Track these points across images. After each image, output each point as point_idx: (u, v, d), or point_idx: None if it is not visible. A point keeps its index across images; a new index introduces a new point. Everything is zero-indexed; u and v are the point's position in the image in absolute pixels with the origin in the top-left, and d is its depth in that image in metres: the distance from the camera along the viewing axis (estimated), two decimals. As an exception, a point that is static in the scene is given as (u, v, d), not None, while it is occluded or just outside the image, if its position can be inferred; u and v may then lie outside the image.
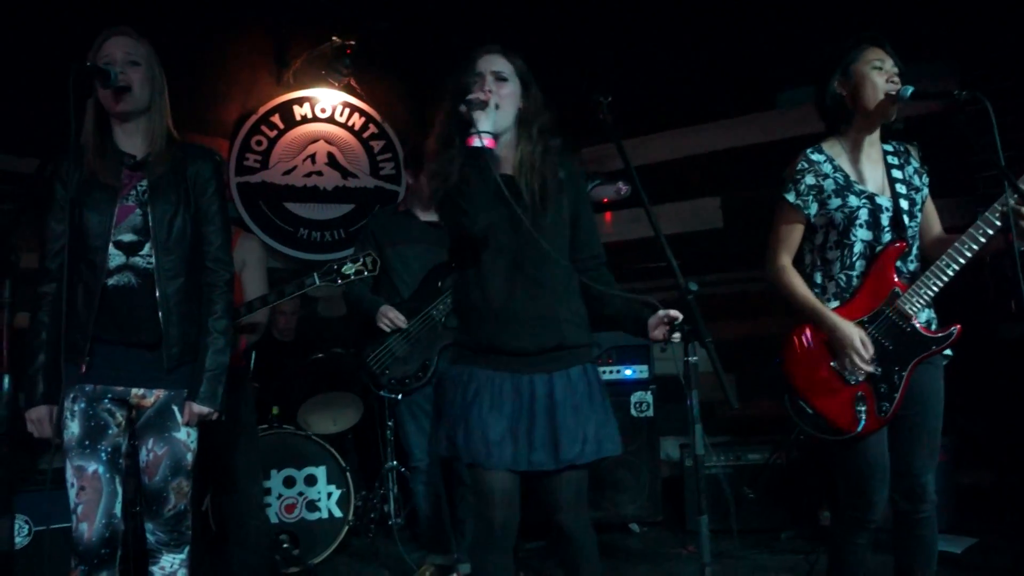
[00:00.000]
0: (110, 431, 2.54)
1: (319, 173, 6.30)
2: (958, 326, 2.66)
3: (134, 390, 2.56)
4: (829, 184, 2.68)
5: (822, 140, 2.78)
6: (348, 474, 4.53)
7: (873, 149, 2.74)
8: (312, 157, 6.30)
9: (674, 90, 5.73)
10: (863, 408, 2.61)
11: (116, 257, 2.53)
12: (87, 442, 2.51)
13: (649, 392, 4.88)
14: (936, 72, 4.80)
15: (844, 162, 2.71)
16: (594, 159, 5.87)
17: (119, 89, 2.50)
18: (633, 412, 4.86)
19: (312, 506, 4.48)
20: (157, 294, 2.54)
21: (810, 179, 2.69)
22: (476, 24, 5.39)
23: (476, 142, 2.31)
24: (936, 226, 2.83)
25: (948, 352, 2.71)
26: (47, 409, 2.53)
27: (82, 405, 2.52)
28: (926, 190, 2.75)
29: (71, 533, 2.52)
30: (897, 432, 2.70)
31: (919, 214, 2.72)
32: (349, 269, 3.36)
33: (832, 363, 2.65)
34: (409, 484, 4.35)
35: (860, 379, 2.63)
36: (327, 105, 6.35)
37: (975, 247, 2.57)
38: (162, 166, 2.60)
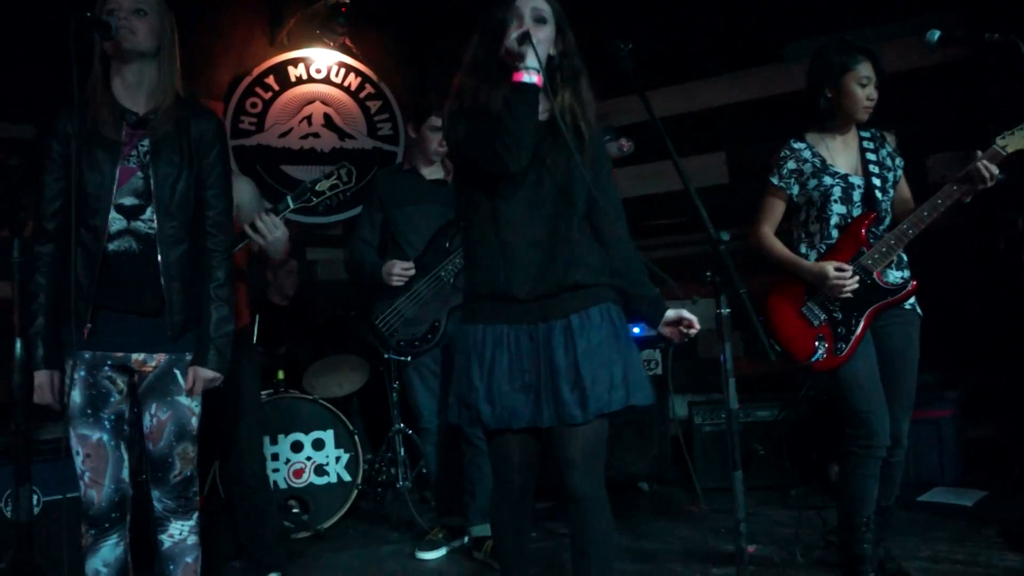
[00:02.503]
0: (112, 398, 2.48)
1: (316, 135, 6.20)
2: (914, 282, 3.03)
3: (135, 355, 2.49)
4: (807, 167, 3.10)
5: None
6: (356, 437, 4.49)
7: (849, 137, 3.15)
8: (308, 119, 6.20)
9: (678, 43, 5.63)
10: (824, 345, 3.02)
11: (117, 221, 2.44)
12: (89, 410, 2.45)
13: (658, 350, 4.83)
14: (942, 22, 4.73)
15: (822, 148, 3.13)
16: (599, 114, 5.78)
17: (121, 27, 2.40)
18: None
19: (320, 470, 4.45)
20: (160, 260, 2.46)
21: (792, 164, 3.12)
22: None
23: (526, 77, 2.22)
24: (906, 198, 3.20)
25: (919, 311, 3.09)
26: (48, 374, 2.47)
27: (82, 373, 2.45)
28: (900, 171, 3.17)
29: (80, 499, 2.47)
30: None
31: (891, 190, 3.12)
32: (323, 185, 3.19)
33: (801, 308, 3.09)
34: (418, 447, 4.33)
35: (822, 320, 3.04)
36: (322, 65, 6.23)
37: (935, 214, 2.92)
38: (166, 124, 2.50)
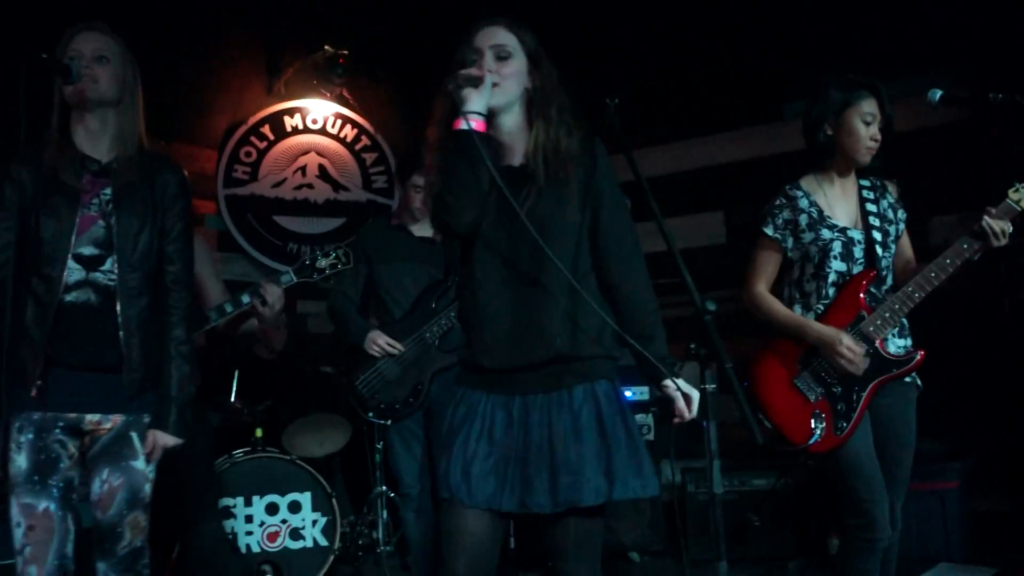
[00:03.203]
0: (62, 464, 2.33)
1: (310, 186, 6.12)
2: (921, 352, 2.76)
3: (88, 416, 2.35)
4: (803, 219, 2.83)
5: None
6: (334, 500, 4.32)
7: (849, 184, 2.90)
8: (303, 169, 6.12)
9: (677, 101, 5.58)
10: (821, 424, 2.72)
11: (75, 272, 2.33)
12: (36, 477, 2.30)
13: (650, 415, 4.69)
14: (946, 81, 4.68)
15: (819, 197, 2.86)
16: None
17: (83, 76, 2.32)
18: (634, 435, 4.67)
19: (296, 534, 4.27)
20: (119, 314, 2.33)
21: (787, 214, 2.86)
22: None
23: (463, 125, 2.03)
24: (908, 257, 2.99)
25: (919, 384, 2.85)
26: None
27: (30, 436, 2.30)
28: (902, 225, 2.93)
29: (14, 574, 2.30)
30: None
31: (892, 245, 2.88)
32: (323, 262, 3.26)
33: (795, 380, 2.79)
34: (399, 511, 4.17)
35: (819, 395, 2.75)
36: (319, 116, 6.17)
37: (943, 275, 2.71)
38: (129, 174, 2.41)
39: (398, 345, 3.71)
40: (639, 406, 4.67)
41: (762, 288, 2.92)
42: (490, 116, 2.12)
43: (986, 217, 2.67)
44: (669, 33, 5.47)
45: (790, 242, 2.87)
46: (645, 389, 4.70)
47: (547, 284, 2.12)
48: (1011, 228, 2.68)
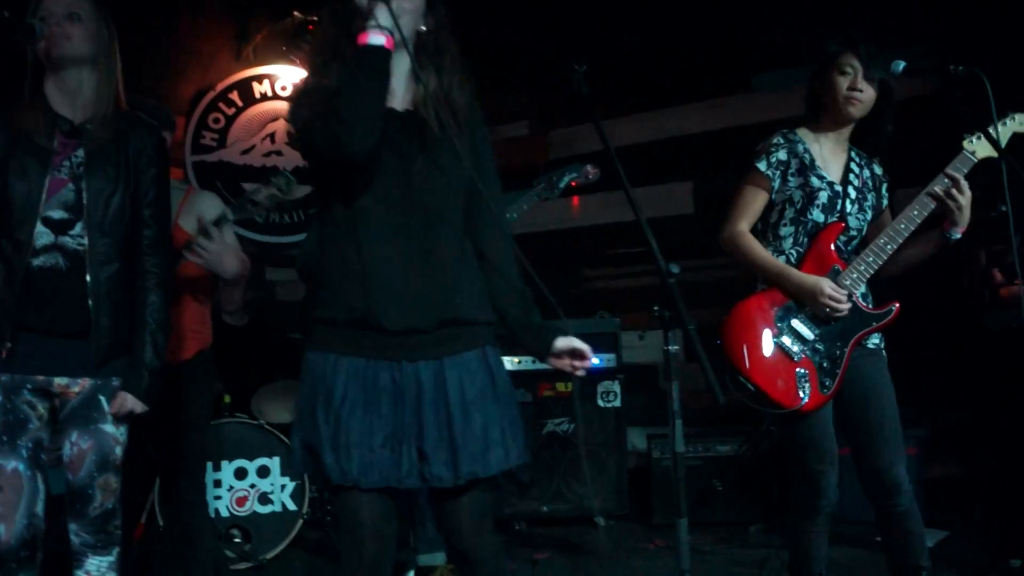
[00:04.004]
0: (31, 425, 2.32)
1: (279, 153, 6.06)
2: (896, 304, 2.73)
3: (57, 380, 2.33)
4: (795, 163, 2.78)
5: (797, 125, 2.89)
6: (303, 465, 4.34)
7: (840, 146, 2.86)
8: (272, 136, 6.07)
9: (645, 71, 5.58)
10: (806, 384, 2.65)
11: (43, 235, 2.29)
12: (5, 437, 2.29)
13: (616, 381, 4.74)
14: (917, 56, 4.72)
15: (814, 147, 2.81)
16: (562, 141, 5.73)
17: (53, 33, 2.27)
18: (600, 402, 4.72)
19: (264, 499, 4.29)
20: (88, 279, 2.31)
21: (782, 154, 2.79)
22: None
23: (371, 38, 1.85)
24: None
25: (884, 354, 2.81)
26: None
27: None
28: (885, 200, 2.91)
29: None
30: (857, 430, 2.74)
31: (869, 211, 2.85)
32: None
33: (775, 339, 2.68)
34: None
35: (801, 353, 2.67)
36: (287, 83, 6.10)
37: (911, 226, 2.69)
38: (103, 135, 2.36)
39: None
40: (607, 372, 4.71)
41: (744, 227, 2.80)
42: None
43: (946, 169, 2.67)
44: (639, 4, 5.47)
45: (778, 183, 2.79)
46: (612, 356, 4.74)
47: (441, 240, 2.00)
48: (965, 183, 2.67)
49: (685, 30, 5.42)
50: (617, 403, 4.73)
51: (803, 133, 2.84)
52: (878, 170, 2.94)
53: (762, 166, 2.78)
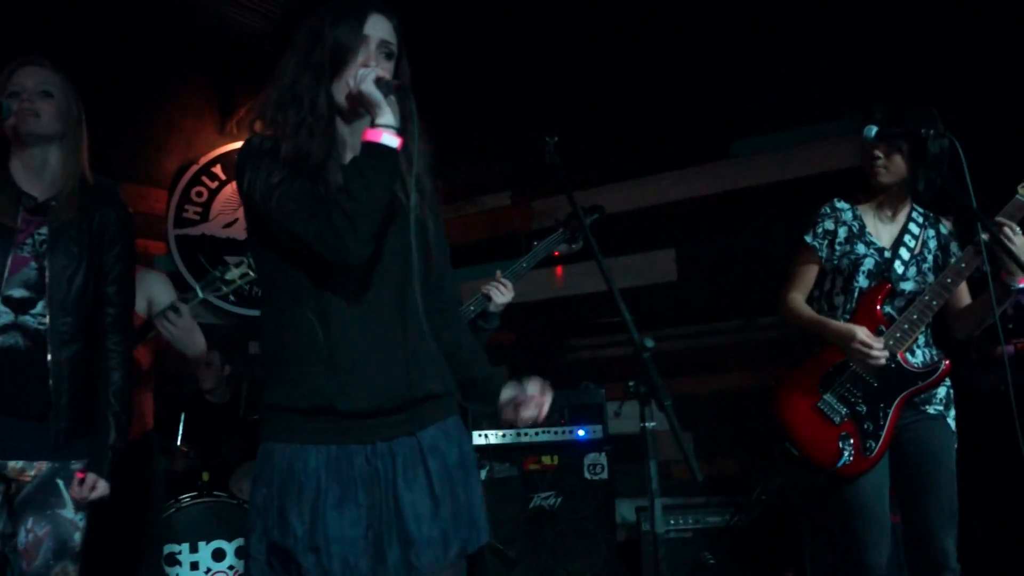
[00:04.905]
0: None
1: (262, 226, 6.05)
2: (947, 361, 2.70)
3: (11, 463, 2.26)
4: (843, 231, 2.84)
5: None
6: (284, 545, 4.22)
7: (896, 211, 2.87)
8: (255, 210, 6.06)
9: (626, 139, 5.62)
10: (848, 445, 2.64)
11: (4, 315, 2.26)
12: None
13: (603, 453, 4.64)
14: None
15: (867, 215, 2.86)
16: (545, 210, 5.72)
17: (23, 110, 2.27)
18: (587, 475, 4.62)
19: (244, 581, 4.16)
20: (49, 360, 2.26)
21: (829, 224, 2.86)
22: (420, 72, 5.25)
23: (385, 138, 1.76)
24: (965, 301, 2.88)
25: (951, 425, 2.75)
26: None
27: None
28: (953, 259, 2.79)
29: None
30: (910, 494, 2.69)
31: (928, 273, 2.80)
32: (232, 274, 2.97)
33: (818, 404, 2.70)
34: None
35: (844, 416, 2.67)
36: (270, 156, 6.12)
37: (959, 279, 2.68)
38: (67, 212, 2.34)
39: None
40: (593, 444, 4.62)
41: (795, 294, 2.88)
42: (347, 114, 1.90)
43: (998, 217, 2.63)
44: (618, 73, 5.53)
45: (825, 252, 2.85)
46: (599, 427, 4.66)
47: (408, 316, 1.90)
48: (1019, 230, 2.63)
49: (663, 98, 5.47)
50: (604, 475, 4.63)
51: (861, 207, 2.88)
52: (944, 229, 2.90)
53: (808, 238, 2.87)
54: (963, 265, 2.67)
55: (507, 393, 2.01)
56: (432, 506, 1.82)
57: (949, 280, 2.67)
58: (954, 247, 2.87)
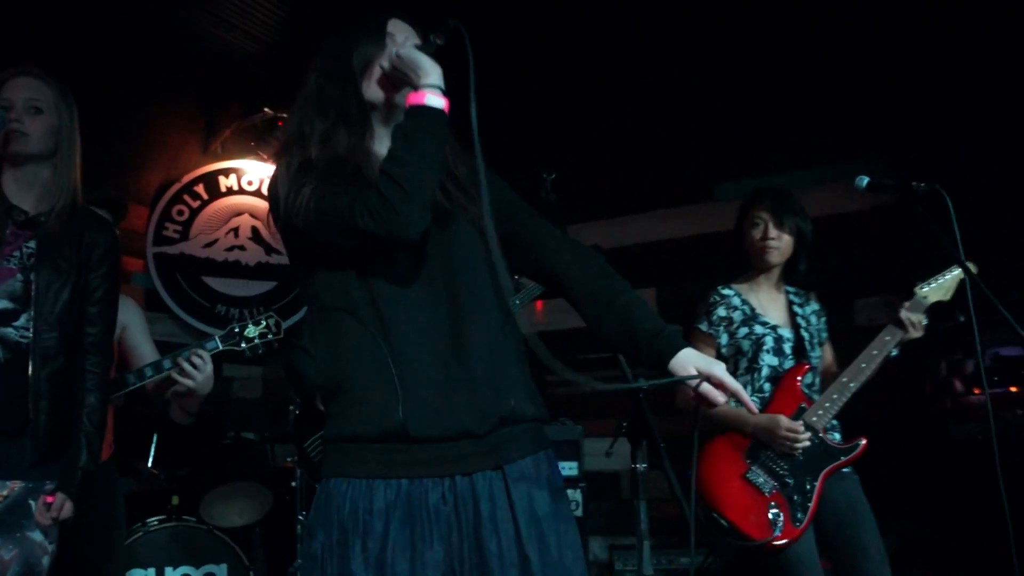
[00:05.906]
0: None
1: (241, 248, 6.01)
2: (863, 440, 2.78)
3: None
4: (737, 315, 2.92)
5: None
6: (252, 573, 4.14)
7: (775, 289, 3.00)
8: (235, 231, 6.02)
9: (610, 179, 5.66)
10: (779, 518, 2.66)
11: None
12: None
13: (579, 490, 4.62)
14: (871, 167, 4.84)
15: (751, 297, 2.96)
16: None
17: (11, 131, 2.23)
18: (562, 511, 4.60)
19: (210, 608, 4.07)
20: (30, 374, 2.21)
21: (721, 311, 2.94)
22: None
23: (429, 98, 1.60)
24: (830, 362, 3.07)
25: (855, 476, 2.84)
26: None
27: None
28: (825, 333, 3.03)
29: None
30: (838, 550, 2.75)
31: (819, 348, 2.98)
32: (252, 332, 2.98)
33: (746, 475, 2.72)
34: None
35: (773, 488, 2.70)
36: (254, 177, 6.11)
37: (872, 364, 2.79)
38: (57, 228, 2.30)
39: None
40: (569, 481, 4.58)
41: None
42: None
43: (901, 310, 2.79)
44: (605, 114, 5.58)
45: (724, 338, 2.93)
46: (575, 464, 4.64)
47: (477, 324, 1.66)
48: (925, 320, 2.79)
49: (650, 140, 5.53)
50: (579, 512, 4.60)
51: (738, 285, 2.98)
52: (814, 305, 3.06)
53: (703, 327, 2.94)
54: (876, 352, 2.79)
55: (701, 363, 1.75)
56: (516, 555, 1.57)
57: (864, 364, 2.79)
58: (823, 322, 3.04)
